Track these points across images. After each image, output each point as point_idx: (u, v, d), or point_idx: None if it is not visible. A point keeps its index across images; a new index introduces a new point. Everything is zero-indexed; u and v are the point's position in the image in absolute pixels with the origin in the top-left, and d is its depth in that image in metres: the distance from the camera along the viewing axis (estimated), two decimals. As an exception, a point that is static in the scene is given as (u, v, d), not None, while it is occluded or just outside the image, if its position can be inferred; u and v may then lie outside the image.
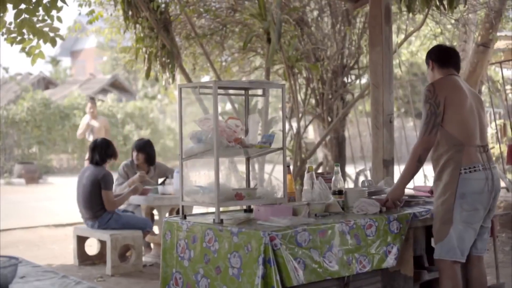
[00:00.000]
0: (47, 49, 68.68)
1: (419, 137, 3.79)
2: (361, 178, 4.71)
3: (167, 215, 6.61)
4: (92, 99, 11.32)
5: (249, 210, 4.04)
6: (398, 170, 5.02)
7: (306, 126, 7.91)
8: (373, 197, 4.08)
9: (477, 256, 3.87)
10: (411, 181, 4.02)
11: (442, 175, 3.72)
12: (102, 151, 6.17)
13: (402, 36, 8.38)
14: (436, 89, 3.76)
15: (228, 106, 9.56)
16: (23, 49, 6.26)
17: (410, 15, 6.91)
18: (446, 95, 3.72)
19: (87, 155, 7.24)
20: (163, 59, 6.87)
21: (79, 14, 8.31)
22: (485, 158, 3.73)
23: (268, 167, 7.73)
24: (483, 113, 3.90)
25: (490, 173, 3.69)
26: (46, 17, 5.95)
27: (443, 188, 3.70)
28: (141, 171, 6.60)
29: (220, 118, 3.95)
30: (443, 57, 3.99)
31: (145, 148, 6.79)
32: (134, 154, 6.77)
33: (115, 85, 29.27)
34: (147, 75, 7.03)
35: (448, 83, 3.82)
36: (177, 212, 6.20)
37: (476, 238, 3.78)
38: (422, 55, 12.72)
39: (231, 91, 4.86)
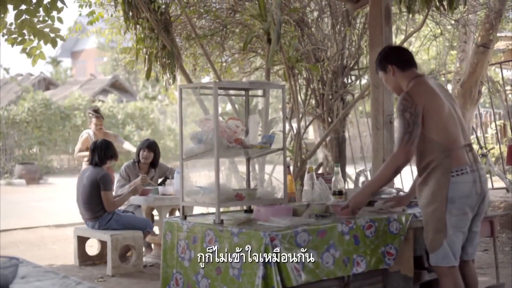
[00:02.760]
0: (48, 50, 68.80)
1: (399, 147, 3.56)
2: (362, 179, 4.71)
3: (167, 215, 6.62)
4: (97, 113, 8.23)
5: (249, 210, 4.04)
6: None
7: (306, 127, 7.90)
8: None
9: (467, 260, 3.75)
10: (411, 181, 3.99)
11: (428, 180, 3.57)
12: (102, 152, 6.18)
13: (402, 37, 8.39)
14: (413, 99, 3.54)
15: (229, 107, 9.59)
16: (23, 50, 6.28)
17: (410, 15, 6.92)
18: (424, 104, 3.53)
19: (86, 157, 7.22)
20: (164, 59, 6.87)
21: (80, 15, 8.32)
22: (471, 158, 3.59)
23: (268, 168, 7.73)
24: (458, 109, 3.72)
25: (477, 175, 3.56)
26: (46, 18, 5.97)
27: (431, 195, 3.56)
28: (143, 174, 6.61)
29: (220, 118, 3.96)
30: (404, 58, 3.74)
31: (154, 148, 6.85)
32: (144, 153, 6.78)
33: (116, 86, 29.29)
34: (148, 75, 7.03)
35: (424, 91, 3.61)
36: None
37: (467, 243, 3.69)
38: (422, 56, 12.74)
39: (231, 92, 4.87)
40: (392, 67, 3.70)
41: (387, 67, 3.72)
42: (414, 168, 3.92)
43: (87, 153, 7.41)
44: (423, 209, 3.66)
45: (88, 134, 8.07)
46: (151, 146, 6.83)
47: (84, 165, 7.55)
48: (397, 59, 3.72)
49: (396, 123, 4.10)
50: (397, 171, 3.60)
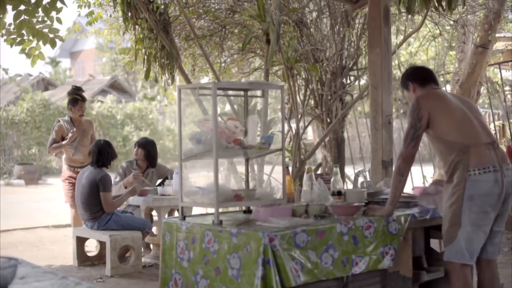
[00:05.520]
0: (47, 50, 68.80)
1: (400, 150, 3.77)
2: (360, 179, 4.72)
3: (166, 216, 6.62)
4: (83, 95, 7.27)
5: (248, 211, 4.04)
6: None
7: (305, 127, 7.90)
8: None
9: (487, 259, 3.78)
10: (410, 181, 4.01)
11: (452, 178, 3.66)
12: (108, 154, 6.17)
13: (401, 37, 8.39)
14: (420, 103, 3.74)
15: (228, 107, 9.61)
16: (23, 50, 6.28)
17: (409, 16, 6.92)
18: (431, 108, 3.71)
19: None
20: (163, 60, 6.87)
21: (79, 15, 8.31)
22: (495, 157, 3.62)
23: (267, 168, 7.73)
24: (481, 117, 3.84)
25: (500, 175, 3.59)
26: (45, 18, 5.97)
27: (452, 190, 3.64)
28: (135, 171, 6.63)
29: (219, 119, 3.96)
30: (422, 75, 3.97)
31: (146, 146, 6.87)
32: (135, 149, 6.93)
33: (115, 86, 29.29)
34: (147, 76, 7.04)
35: (432, 96, 3.82)
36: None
37: (486, 242, 3.71)
38: (421, 56, 12.74)
39: (230, 92, 4.87)
40: (412, 84, 3.94)
41: (408, 84, 3.96)
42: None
43: (62, 143, 7.01)
44: (444, 205, 3.74)
45: (62, 123, 7.13)
46: (141, 144, 6.88)
47: (64, 165, 7.22)
48: (416, 76, 3.96)
49: (395, 123, 4.13)
50: (401, 173, 3.74)
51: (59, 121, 7.22)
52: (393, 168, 3.85)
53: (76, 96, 7.12)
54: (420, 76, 3.95)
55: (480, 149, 3.62)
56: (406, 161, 3.73)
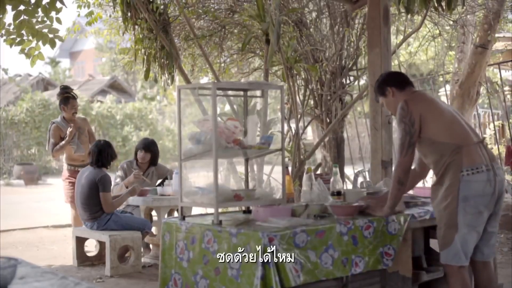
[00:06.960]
0: (46, 51, 68.74)
1: (398, 159, 3.68)
2: (360, 179, 4.73)
3: (166, 216, 6.61)
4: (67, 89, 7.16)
5: (248, 211, 4.05)
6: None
7: (305, 127, 7.90)
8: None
9: (483, 261, 3.76)
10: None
11: (442, 180, 3.61)
12: (108, 154, 6.16)
13: (401, 37, 8.39)
14: (409, 107, 3.65)
15: (227, 107, 9.61)
16: (22, 51, 6.28)
17: (409, 16, 6.92)
18: (421, 110, 3.63)
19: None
20: (162, 60, 6.87)
21: (78, 15, 8.32)
22: (486, 156, 3.60)
23: (267, 168, 7.73)
24: (463, 117, 3.81)
25: (493, 174, 3.56)
26: (45, 19, 5.97)
27: (445, 192, 3.59)
28: (136, 171, 6.61)
29: (219, 119, 3.96)
30: (401, 78, 3.90)
31: (150, 147, 6.85)
32: (141, 153, 6.81)
33: (114, 86, 29.30)
34: (146, 76, 7.03)
35: (420, 98, 3.74)
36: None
37: (482, 243, 3.69)
38: (421, 56, 12.75)
39: (230, 92, 4.87)
40: (391, 89, 3.83)
41: (386, 90, 3.84)
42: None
43: (63, 143, 6.92)
44: (436, 208, 3.69)
45: (57, 124, 7.04)
46: (147, 147, 6.83)
47: (65, 165, 7.22)
48: (394, 80, 3.86)
49: (395, 123, 4.13)
50: (401, 182, 3.67)
51: (53, 123, 7.11)
52: (393, 170, 3.77)
53: (67, 95, 7.04)
54: (398, 80, 3.87)
55: (472, 149, 3.58)
56: (406, 170, 3.66)
